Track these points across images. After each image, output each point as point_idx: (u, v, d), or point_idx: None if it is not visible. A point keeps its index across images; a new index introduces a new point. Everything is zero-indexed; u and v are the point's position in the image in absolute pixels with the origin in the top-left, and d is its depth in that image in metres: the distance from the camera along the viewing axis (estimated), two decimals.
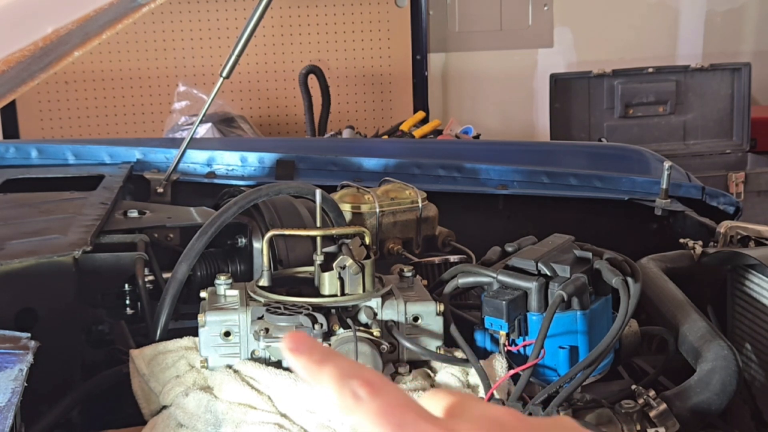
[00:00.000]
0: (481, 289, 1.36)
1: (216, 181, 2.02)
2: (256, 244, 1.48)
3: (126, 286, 1.43)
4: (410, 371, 1.26)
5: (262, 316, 1.22)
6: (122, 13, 1.19)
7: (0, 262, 1.31)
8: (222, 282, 1.29)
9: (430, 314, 1.28)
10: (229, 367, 1.23)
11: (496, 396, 1.21)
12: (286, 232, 1.40)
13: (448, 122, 3.79)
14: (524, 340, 1.30)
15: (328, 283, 1.26)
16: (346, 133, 3.68)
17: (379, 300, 1.27)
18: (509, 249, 1.43)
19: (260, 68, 4.13)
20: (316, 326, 1.20)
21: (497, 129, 4.51)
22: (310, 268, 1.33)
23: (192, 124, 2.66)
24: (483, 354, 1.31)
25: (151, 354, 1.27)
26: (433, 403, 0.56)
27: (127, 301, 1.43)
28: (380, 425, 0.51)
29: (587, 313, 1.30)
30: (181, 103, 3.75)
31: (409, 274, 1.36)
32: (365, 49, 4.27)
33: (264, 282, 1.29)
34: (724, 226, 1.70)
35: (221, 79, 1.86)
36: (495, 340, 1.32)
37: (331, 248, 1.30)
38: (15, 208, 1.64)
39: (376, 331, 1.24)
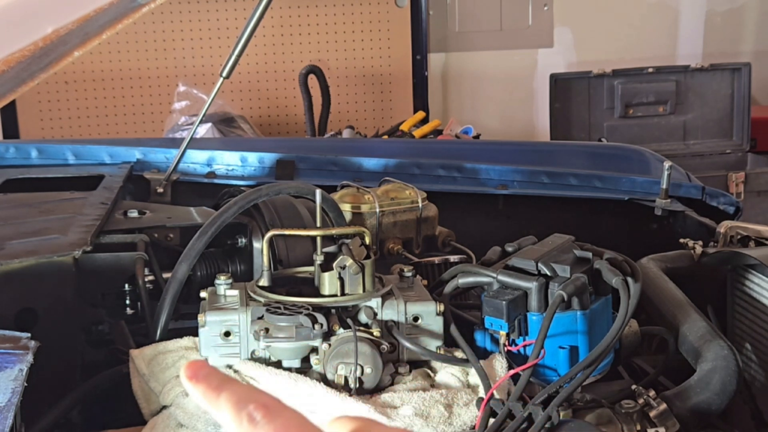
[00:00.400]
0: (481, 289, 1.36)
1: (216, 181, 2.02)
2: (256, 244, 1.48)
3: (126, 286, 1.43)
4: (410, 371, 1.26)
5: (262, 316, 1.22)
6: (122, 13, 1.19)
7: (0, 262, 1.31)
8: (222, 282, 1.29)
9: (430, 314, 1.28)
10: (229, 367, 1.23)
11: (496, 396, 1.21)
12: (286, 232, 1.40)
13: (448, 122, 3.79)
14: (524, 340, 1.30)
15: (328, 283, 1.26)
16: (346, 133, 3.68)
17: (379, 300, 1.27)
18: (509, 249, 1.43)
19: (260, 68, 4.13)
20: (316, 326, 1.20)
21: (497, 129, 4.51)
22: (310, 268, 1.33)
23: (192, 124, 2.66)
24: (483, 354, 1.31)
25: (151, 354, 1.27)
26: (337, 429, 0.57)
27: (127, 301, 1.43)
28: None
29: (587, 313, 1.30)
30: (181, 103, 3.75)
31: (409, 274, 1.36)
32: (365, 49, 4.27)
33: (264, 282, 1.29)
34: (724, 226, 1.70)
35: (221, 79, 1.87)
36: (495, 340, 1.32)
37: (331, 248, 1.30)
38: (15, 208, 1.64)
39: (376, 331, 1.24)
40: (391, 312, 1.27)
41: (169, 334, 1.33)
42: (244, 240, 1.52)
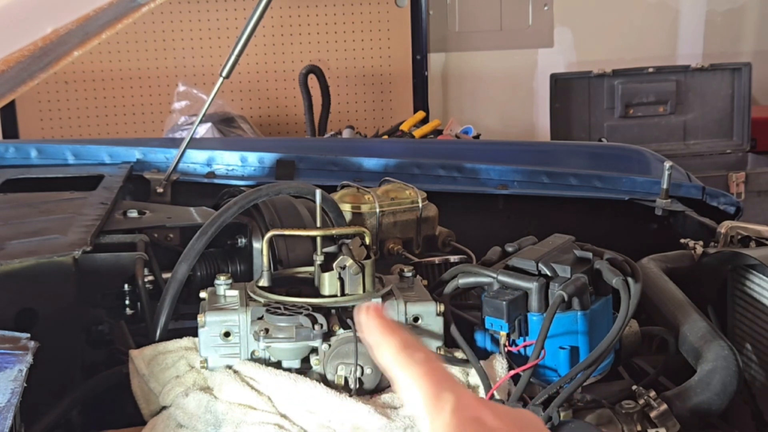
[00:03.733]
0: (482, 290, 1.36)
1: (216, 181, 2.02)
2: (256, 244, 1.47)
3: (126, 286, 1.42)
4: None
5: (262, 316, 1.21)
6: (122, 13, 1.19)
7: (0, 262, 1.31)
8: (222, 282, 1.28)
9: (430, 314, 1.28)
10: (229, 367, 1.23)
11: (497, 396, 1.21)
12: (286, 232, 1.40)
13: (448, 122, 3.79)
14: (524, 340, 1.29)
15: (328, 283, 1.26)
16: (346, 133, 3.68)
17: (379, 300, 1.27)
18: (509, 249, 1.43)
19: (260, 68, 4.13)
20: (316, 326, 1.20)
21: (497, 129, 4.51)
22: (310, 268, 1.33)
23: (192, 124, 2.66)
24: (483, 354, 1.31)
25: (151, 354, 1.27)
26: None
27: (127, 301, 1.43)
28: None
29: (587, 314, 1.30)
30: (181, 103, 3.75)
31: (409, 274, 1.36)
32: (365, 49, 4.26)
33: (264, 282, 1.29)
34: (724, 226, 1.69)
35: (221, 79, 1.86)
36: (495, 341, 1.32)
37: (331, 248, 1.30)
38: (15, 208, 1.64)
39: None
40: (391, 312, 1.27)
41: (169, 334, 1.32)
42: (244, 240, 1.52)
